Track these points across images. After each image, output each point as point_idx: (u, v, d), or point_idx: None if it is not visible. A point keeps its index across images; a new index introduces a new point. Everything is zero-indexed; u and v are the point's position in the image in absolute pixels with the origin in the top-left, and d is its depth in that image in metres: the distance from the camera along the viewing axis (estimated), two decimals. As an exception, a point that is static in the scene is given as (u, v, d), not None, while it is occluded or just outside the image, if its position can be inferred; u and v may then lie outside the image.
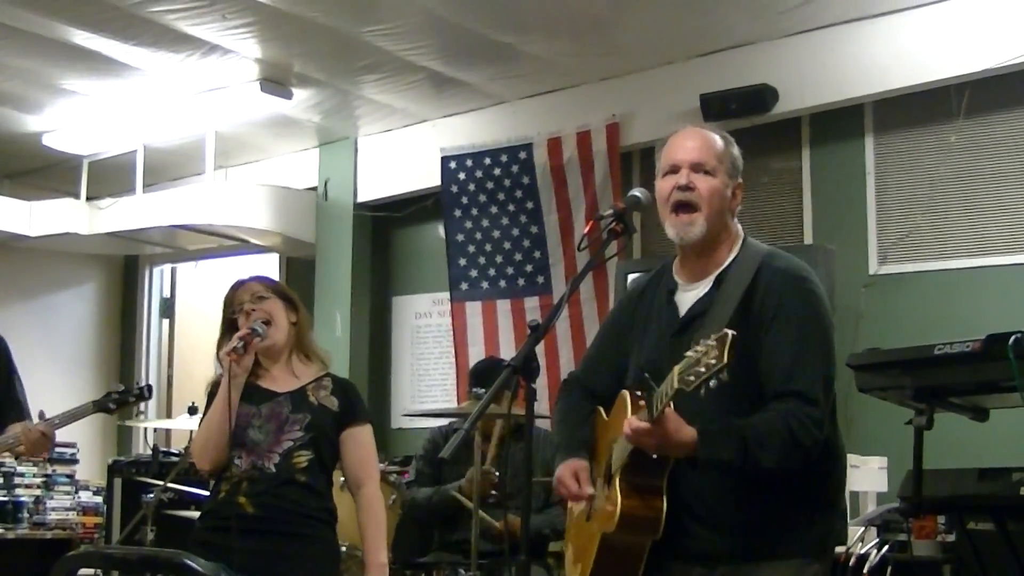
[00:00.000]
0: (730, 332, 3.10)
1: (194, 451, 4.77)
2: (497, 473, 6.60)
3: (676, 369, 3.17)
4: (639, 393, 3.41)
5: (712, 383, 3.13)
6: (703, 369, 3.10)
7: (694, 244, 3.71)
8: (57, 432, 5.43)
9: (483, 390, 6.44)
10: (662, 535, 3.47)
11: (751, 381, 3.50)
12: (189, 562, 2.61)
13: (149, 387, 5.76)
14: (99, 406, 5.53)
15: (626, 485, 3.46)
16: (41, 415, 5.42)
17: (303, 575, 4.61)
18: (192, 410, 7.48)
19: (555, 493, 3.79)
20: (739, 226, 3.79)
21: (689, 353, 3.15)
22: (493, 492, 6.58)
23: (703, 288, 3.68)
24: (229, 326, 4.86)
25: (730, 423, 3.41)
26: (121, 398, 5.54)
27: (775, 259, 3.68)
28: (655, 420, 3.27)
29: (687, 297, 3.72)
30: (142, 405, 5.50)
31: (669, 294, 3.76)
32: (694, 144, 3.74)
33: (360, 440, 4.89)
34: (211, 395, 4.80)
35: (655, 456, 3.42)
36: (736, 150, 3.78)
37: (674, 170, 3.72)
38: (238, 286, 4.94)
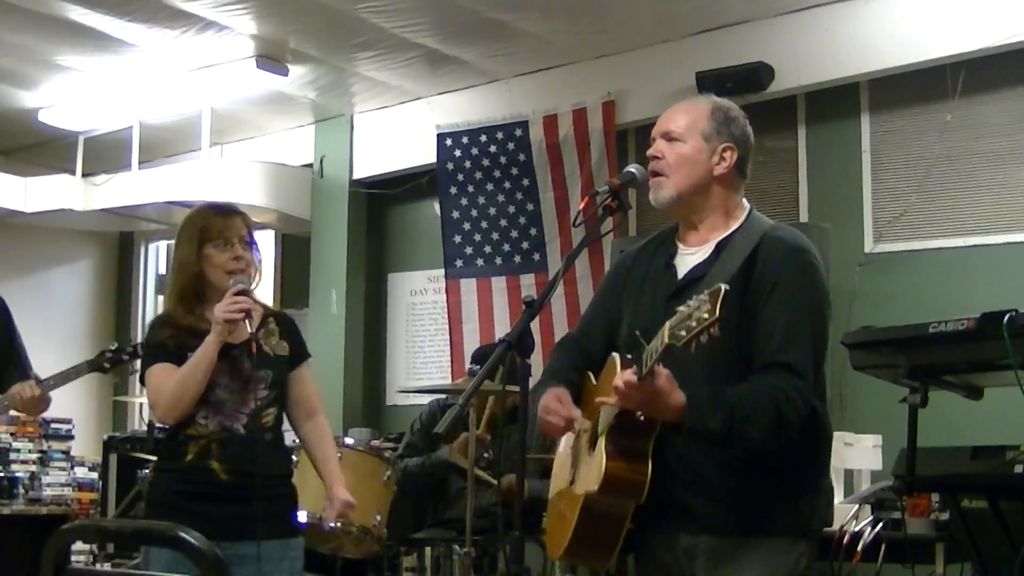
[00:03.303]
0: (723, 286, 3.10)
1: (163, 404, 4.55)
2: (489, 437, 6.62)
3: (667, 324, 3.16)
4: (629, 356, 3.40)
5: (703, 338, 3.12)
6: (694, 323, 3.09)
7: (669, 207, 3.75)
8: (52, 394, 5.42)
9: (479, 366, 6.45)
10: (648, 501, 3.46)
11: (744, 350, 3.51)
12: (184, 535, 2.60)
13: (142, 344, 5.71)
14: (93, 365, 5.52)
15: (611, 447, 3.44)
16: (36, 379, 5.41)
17: (277, 532, 4.62)
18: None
19: (541, 425, 3.77)
20: (744, 200, 3.80)
21: (681, 308, 3.15)
22: (485, 455, 6.59)
23: (703, 254, 3.69)
24: (198, 247, 4.62)
25: (718, 392, 3.41)
26: (115, 356, 5.52)
27: (777, 231, 3.69)
28: (644, 376, 3.27)
29: (686, 261, 3.72)
30: (136, 363, 5.43)
31: (669, 258, 3.77)
32: (668, 115, 3.79)
33: (308, 376, 4.89)
34: (161, 345, 4.61)
35: (642, 419, 3.42)
36: (725, 114, 3.76)
37: (652, 143, 3.79)
38: (227, 212, 4.74)
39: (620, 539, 3.55)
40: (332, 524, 5.87)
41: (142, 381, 4.73)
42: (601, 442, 3.48)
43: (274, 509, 4.62)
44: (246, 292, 4.57)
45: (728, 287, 3.12)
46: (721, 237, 3.69)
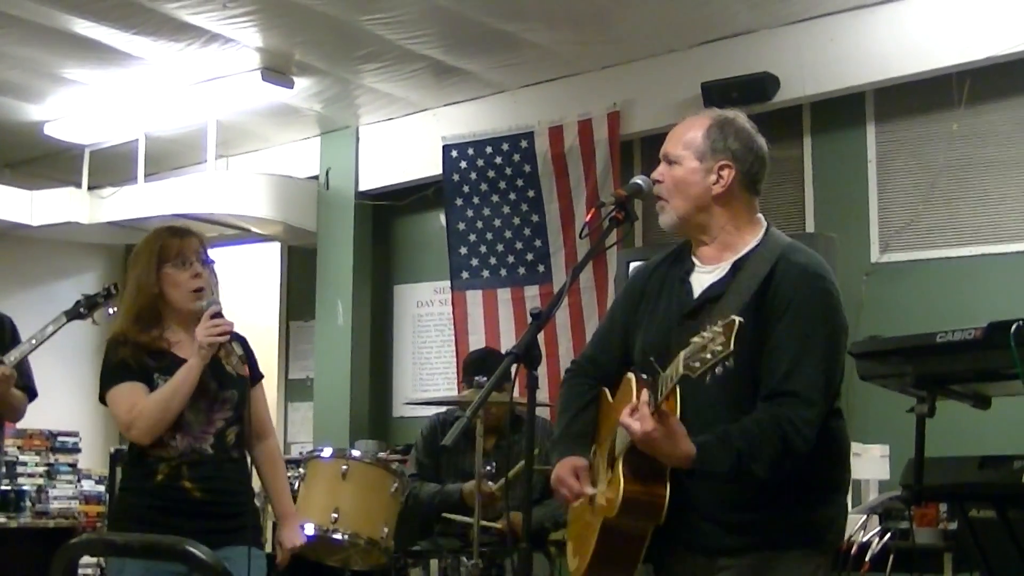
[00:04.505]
0: (737, 319, 3.07)
1: (140, 426, 4.51)
2: (496, 489, 6.57)
3: (681, 355, 3.14)
4: (645, 376, 3.38)
5: (718, 370, 3.12)
6: (709, 356, 3.07)
7: (675, 231, 3.73)
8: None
9: (485, 378, 6.44)
10: (665, 523, 3.44)
11: (758, 374, 3.47)
12: (192, 549, 2.61)
13: (115, 284, 5.69)
14: (71, 314, 5.55)
15: (628, 469, 3.41)
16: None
17: (250, 541, 4.64)
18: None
19: (554, 492, 3.76)
20: (761, 216, 3.74)
21: (695, 339, 3.12)
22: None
23: (719, 273, 3.64)
24: (157, 268, 4.61)
25: (725, 434, 3.38)
26: (90, 301, 5.53)
27: (794, 253, 3.62)
28: (658, 406, 3.26)
29: (703, 279, 3.67)
30: (112, 305, 5.42)
31: (684, 274, 3.72)
32: (669, 136, 3.76)
33: (261, 396, 4.91)
34: (122, 363, 4.58)
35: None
36: (722, 130, 3.68)
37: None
38: (183, 232, 4.75)
39: (640, 557, 3.53)
40: (339, 537, 5.90)
41: (103, 400, 4.69)
42: (619, 465, 3.46)
43: (239, 524, 4.63)
44: (220, 313, 4.59)
45: (742, 320, 3.09)
46: (737, 256, 3.64)
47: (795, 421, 3.39)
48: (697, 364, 3.10)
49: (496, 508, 6.53)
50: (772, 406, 3.43)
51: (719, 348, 3.07)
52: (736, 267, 3.62)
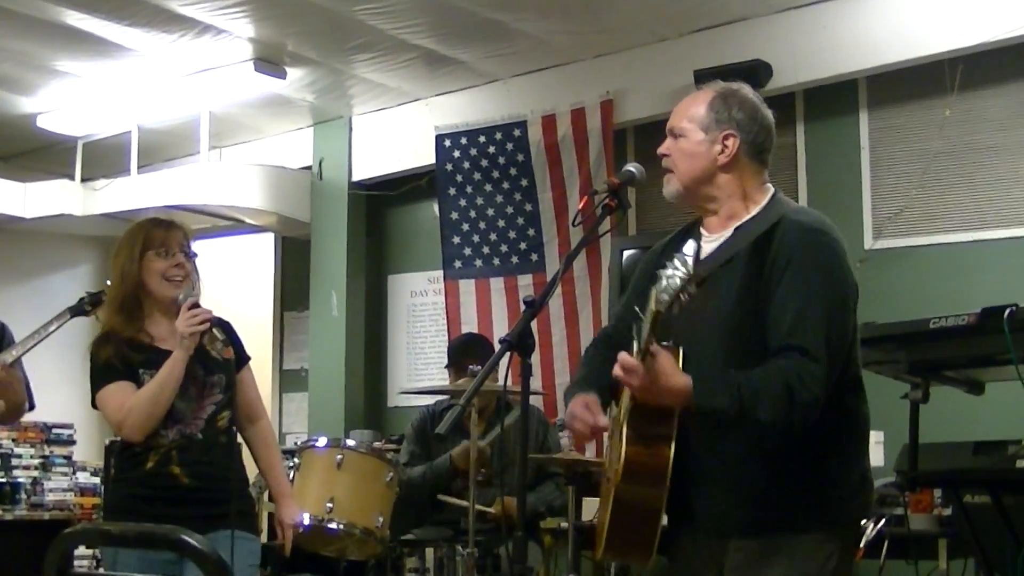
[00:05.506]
0: (693, 242, 3.12)
1: (132, 424, 4.58)
2: (491, 450, 6.60)
3: (654, 290, 3.16)
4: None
5: (683, 297, 3.10)
6: (676, 283, 3.09)
7: (679, 200, 3.77)
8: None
9: (479, 367, 6.45)
10: (676, 498, 3.41)
11: (763, 332, 3.47)
12: (186, 538, 2.61)
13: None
14: (75, 311, 5.55)
15: (632, 432, 3.39)
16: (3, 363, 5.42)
17: (245, 527, 4.69)
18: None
19: (569, 431, 3.75)
20: (768, 184, 3.75)
21: (662, 271, 3.15)
22: (482, 470, 6.57)
23: (723, 239, 3.65)
24: (140, 256, 4.71)
25: (726, 373, 3.38)
26: (93, 298, 5.54)
27: (797, 213, 3.64)
28: (643, 350, 3.27)
29: (708, 248, 3.66)
30: None
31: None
32: (674, 111, 3.79)
33: (250, 379, 4.97)
34: (107, 364, 4.67)
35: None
36: (725, 101, 3.71)
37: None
38: (168, 224, 4.84)
39: (656, 533, 3.46)
40: (334, 526, 5.92)
41: (94, 404, 4.75)
42: (623, 428, 3.44)
43: (239, 507, 4.66)
44: (198, 304, 4.65)
45: (698, 244, 3.14)
46: (741, 222, 3.66)
47: (800, 373, 3.36)
48: (665, 296, 3.12)
49: (489, 467, 6.55)
50: (778, 359, 3.41)
51: (681, 274, 3.08)
52: (738, 230, 3.64)
